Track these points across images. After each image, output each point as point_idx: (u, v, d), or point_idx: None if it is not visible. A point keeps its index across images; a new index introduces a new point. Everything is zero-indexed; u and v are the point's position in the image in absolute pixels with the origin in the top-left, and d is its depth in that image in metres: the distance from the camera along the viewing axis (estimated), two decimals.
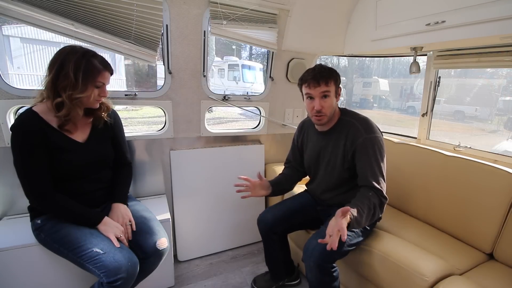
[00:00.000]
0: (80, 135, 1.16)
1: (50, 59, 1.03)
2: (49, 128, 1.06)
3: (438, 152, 1.51)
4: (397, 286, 1.08)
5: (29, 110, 1.05)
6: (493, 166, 1.28)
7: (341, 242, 0.95)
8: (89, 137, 1.18)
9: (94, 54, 1.06)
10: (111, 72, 1.13)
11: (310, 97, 1.22)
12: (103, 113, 1.21)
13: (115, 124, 1.30)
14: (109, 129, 1.27)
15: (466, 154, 1.56)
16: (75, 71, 1.00)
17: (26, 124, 1.03)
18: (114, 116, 1.31)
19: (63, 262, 1.10)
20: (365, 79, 12.13)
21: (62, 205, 1.08)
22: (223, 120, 8.51)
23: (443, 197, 1.42)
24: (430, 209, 1.48)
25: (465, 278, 1.06)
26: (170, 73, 1.60)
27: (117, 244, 1.06)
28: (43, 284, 1.22)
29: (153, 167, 1.73)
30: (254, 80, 9.74)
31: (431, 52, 1.74)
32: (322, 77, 1.17)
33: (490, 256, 1.27)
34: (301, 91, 1.27)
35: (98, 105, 1.15)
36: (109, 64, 1.10)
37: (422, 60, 1.79)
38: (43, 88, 1.05)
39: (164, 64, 1.60)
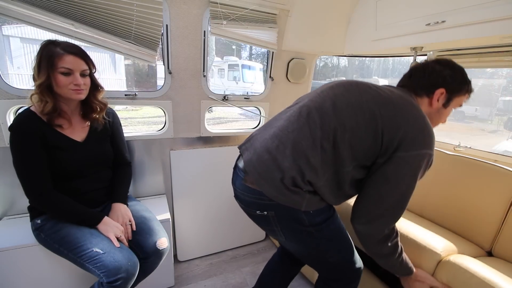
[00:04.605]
0: (79, 135, 1.16)
1: None
2: (47, 127, 1.06)
3: (438, 150, 1.51)
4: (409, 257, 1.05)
5: (27, 110, 1.06)
6: (493, 165, 1.28)
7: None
8: (87, 137, 1.18)
9: (54, 42, 1.04)
10: (80, 56, 1.05)
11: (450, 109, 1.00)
12: (99, 113, 1.21)
13: (113, 123, 1.30)
14: (107, 129, 1.27)
15: (466, 154, 1.56)
16: (38, 62, 1.01)
17: (24, 124, 1.03)
18: (113, 115, 1.31)
19: (63, 262, 1.10)
20: (365, 79, 12.13)
21: (62, 205, 1.08)
22: (223, 120, 8.52)
23: (442, 194, 1.42)
24: (429, 206, 1.48)
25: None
26: (170, 73, 1.59)
27: (117, 244, 1.06)
28: (43, 284, 1.22)
29: (153, 167, 1.73)
30: (254, 80, 9.74)
31: (431, 52, 1.74)
32: None
33: (489, 254, 1.28)
34: (453, 98, 0.96)
35: (81, 97, 1.09)
36: (74, 48, 1.05)
37: (422, 60, 1.79)
38: None
39: (164, 64, 1.59)
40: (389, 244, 0.87)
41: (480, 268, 0.87)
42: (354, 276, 1.03)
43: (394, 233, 0.89)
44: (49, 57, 1.00)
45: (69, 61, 1.03)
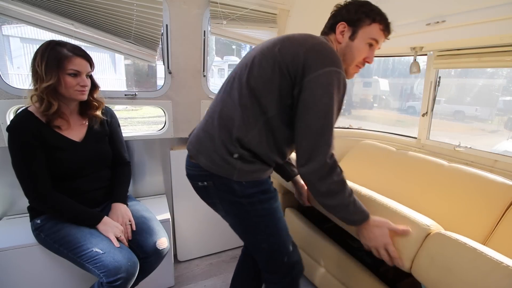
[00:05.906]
0: (77, 134, 1.16)
1: None
2: (45, 127, 1.07)
3: (431, 161, 1.50)
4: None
5: (25, 110, 1.06)
6: (486, 176, 1.26)
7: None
8: (85, 136, 1.18)
9: (60, 43, 1.05)
10: (87, 58, 1.09)
11: (372, 44, 0.98)
12: (97, 112, 1.21)
13: (111, 122, 1.30)
14: (105, 128, 1.27)
15: (466, 154, 1.56)
16: (40, 63, 1.01)
17: (22, 124, 1.03)
18: (111, 115, 1.31)
19: (63, 262, 1.10)
20: (365, 79, 12.09)
21: (61, 205, 1.08)
22: None
23: (433, 203, 1.40)
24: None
25: None
26: (170, 73, 1.59)
27: (116, 244, 1.06)
28: (43, 284, 1.22)
29: (153, 167, 1.73)
30: None
31: (431, 52, 1.74)
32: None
33: None
34: (358, 31, 0.95)
35: (85, 97, 1.12)
36: (81, 51, 1.08)
37: (422, 60, 1.79)
38: None
39: (164, 64, 1.60)
40: (335, 178, 0.86)
41: (472, 242, 0.81)
42: (288, 271, 1.01)
43: (336, 165, 0.87)
44: (58, 59, 1.01)
45: (78, 63, 1.06)
